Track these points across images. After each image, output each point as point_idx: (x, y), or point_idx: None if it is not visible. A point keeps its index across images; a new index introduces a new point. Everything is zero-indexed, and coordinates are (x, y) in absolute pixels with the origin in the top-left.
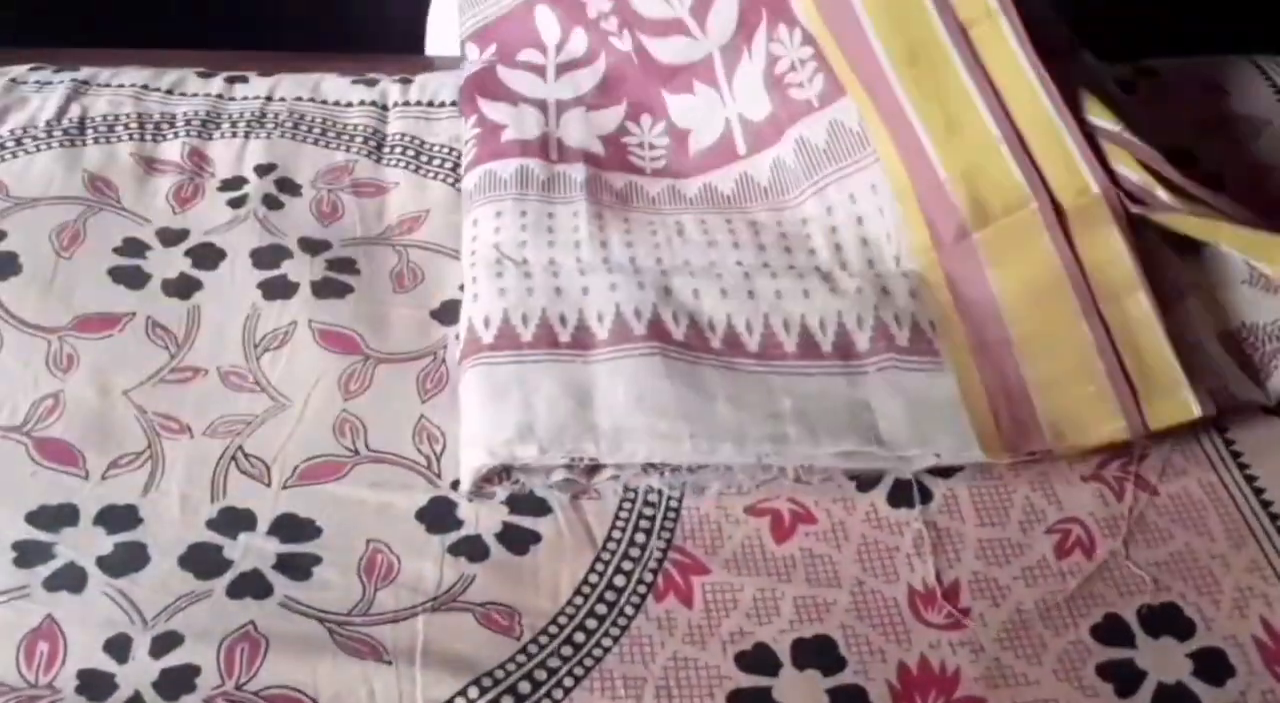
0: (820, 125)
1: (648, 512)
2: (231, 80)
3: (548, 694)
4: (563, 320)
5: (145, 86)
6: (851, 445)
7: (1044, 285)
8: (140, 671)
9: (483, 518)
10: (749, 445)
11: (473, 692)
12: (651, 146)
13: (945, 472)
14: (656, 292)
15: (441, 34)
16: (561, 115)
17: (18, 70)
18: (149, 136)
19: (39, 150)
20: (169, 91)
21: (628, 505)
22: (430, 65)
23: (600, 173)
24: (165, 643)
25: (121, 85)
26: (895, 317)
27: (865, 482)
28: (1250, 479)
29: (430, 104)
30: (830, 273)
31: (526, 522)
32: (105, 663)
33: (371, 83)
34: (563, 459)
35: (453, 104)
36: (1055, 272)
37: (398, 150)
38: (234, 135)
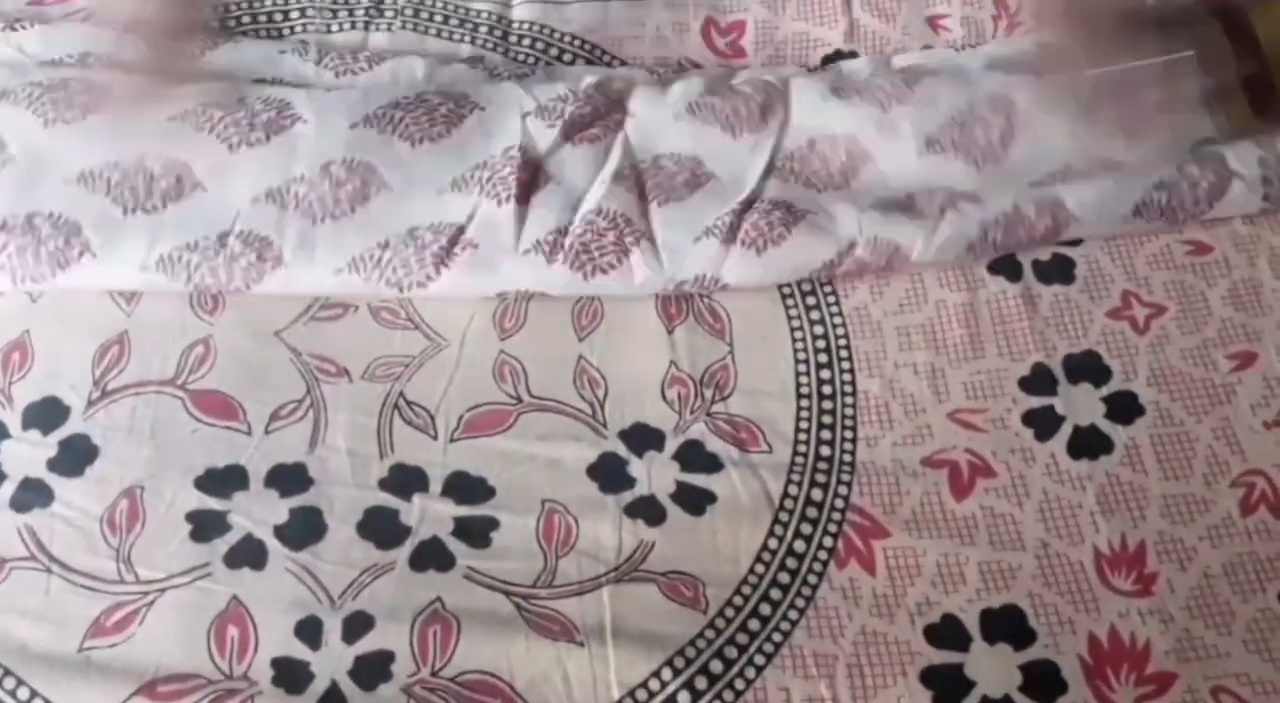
0: None
1: (822, 465)
2: None
3: (740, 674)
4: None
5: None
6: None
7: None
8: (334, 658)
9: (655, 476)
10: None
11: (666, 673)
12: None
13: (1126, 419)
14: None
15: None
16: None
17: None
18: (263, 32)
19: None
20: None
21: (800, 459)
22: None
23: None
24: (356, 626)
25: None
26: None
27: (1043, 431)
28: None
29: None
30: None
31: (699, 480)
32: (298, 650)
33: None
34: None
35: None
36: None
37: (525, 41)
38: (353, 27)
